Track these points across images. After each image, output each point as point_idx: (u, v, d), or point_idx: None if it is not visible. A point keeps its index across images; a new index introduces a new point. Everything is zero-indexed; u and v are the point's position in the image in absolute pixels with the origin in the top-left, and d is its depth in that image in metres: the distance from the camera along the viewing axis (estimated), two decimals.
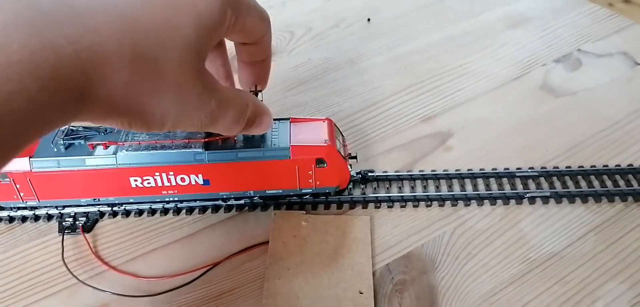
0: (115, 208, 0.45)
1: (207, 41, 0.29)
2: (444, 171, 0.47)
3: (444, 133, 0.52)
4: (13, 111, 0.21)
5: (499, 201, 0.45)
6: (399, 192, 0.46)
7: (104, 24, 0.24)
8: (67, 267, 0.41)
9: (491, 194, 0.45)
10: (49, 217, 0.45)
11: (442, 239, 0.43)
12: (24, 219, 0.45)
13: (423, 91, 0.57)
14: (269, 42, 0.38)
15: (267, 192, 0.44)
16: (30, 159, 0.40)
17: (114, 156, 0.41)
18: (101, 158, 0.41)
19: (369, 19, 0.68)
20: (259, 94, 0.40)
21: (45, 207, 0.44)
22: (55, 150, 0.41)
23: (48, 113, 0.23)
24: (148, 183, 0.42)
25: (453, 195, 0.45)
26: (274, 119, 0.43)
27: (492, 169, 0.47)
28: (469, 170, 0.47)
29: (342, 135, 0.44)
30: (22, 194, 0.43)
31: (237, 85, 0.40)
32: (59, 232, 0.44)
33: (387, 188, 0.46)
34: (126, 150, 0.41)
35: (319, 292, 0.39)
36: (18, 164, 0.41)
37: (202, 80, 0.29)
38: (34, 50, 0.22)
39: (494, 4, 0.70)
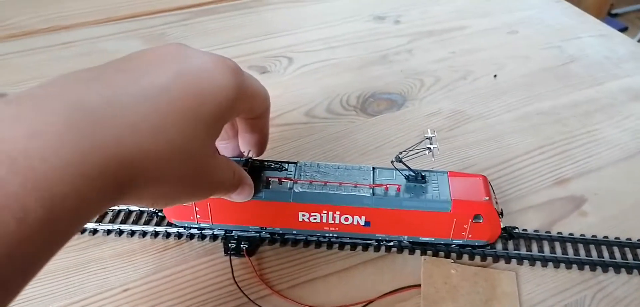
0: (275, 236, 0.49)
1: (221, 125, 0.34)
2: (580, 235, 0.50)
3: (578, 198, 0.54)
4: (66, 209, 0.23)
5: (635, 271, 0.47)
6: (539, 252, 0.48)
7: (143, 122, 0.27)
8: (238, 286, 0.45)
9: (627, 263, 0.47)
10: (214, 237, 0.49)
11: (583, 302, 0.45)
12: (191, 236, 0.50)
13: (554, 153, 0.59)
14: (268, 116, 0.42)
15: (419, 238, 0.47)
16: None
17: (290, 191, 0.45)
18: (278, 192, 0.45)
19: (495, 75, 0.72)
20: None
21: (213, 228, 0.49)
22: None
23: (94, 207, 0.26)
24: (314, 219, 0.46)
25: (592, 260, 0.47)
26: (432, 171, 0.47)
27: (627, 239, 0.49)
28: (604, 237, 0.50)
29: (494, 192, 0.47)
30: (198, 216, 0.47)
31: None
32: (225, 253, 0.48)
33: (528, 246, 0.49)
34: (301, 188, 0.45)
35: None
36: None
37: (212, 164, 0.35)
38: (85, 153, 0.24)
39: (616, 75, 0.72)
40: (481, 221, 0.45)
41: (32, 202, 0.22)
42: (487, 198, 0.45)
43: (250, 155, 0.46)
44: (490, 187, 0.47)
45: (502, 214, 0.47)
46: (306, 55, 0.77)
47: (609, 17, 2.38)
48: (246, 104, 0.37)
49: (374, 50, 0.78)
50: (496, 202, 0.47)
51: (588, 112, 0.66)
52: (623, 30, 2.17)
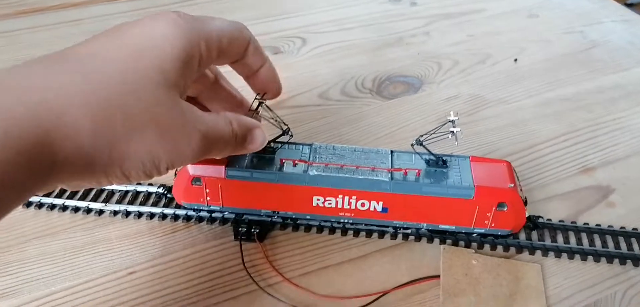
0: (287, 220, 0.47)
1: (179, 77, 0.32)
2: (608, 226, 0.47)
3: (604, 187, 0.52)
4: None
5: None
6: (565, 243, 0.46)
7: (55, 80, 0.27)
8: (248, 273, 0.43)
9: None
10: (224, 220, 0.48)
11: (614, 298, 0.43)
12: (200, 219, 0.48)
13: (579, 141, 0.57)
14: (256, 49, 0.39)
15: (438, 226, 0.45)
16: (226, 167, 0.43)
17: (305, 173, 0.43)
18: (292, 174, 0.43)
19: (515, 59, 0.69)
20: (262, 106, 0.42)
21: (223, 212, 0.47)
22: (247, 162, 0.44)
23: (12, 176, 0.24)
24: (329, 204, 0.44)
25: (621, 253, 0.45)
26: (453, 155, 0.44)
27: None
28: (633, 229, 0.47)
29: (518, 179, 0.45)
30: (208, 199, 0.45)
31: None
32: (235, 239, 0.46)
33: (553, 237, 0.46)
34: (316, 170, 0.43)
35: None
36: (214, 171, 0.43)
37: (179, 113, 0.32)
38: None
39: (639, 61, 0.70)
40: (505, 209, 0.42)
41: None
42: (512, 185, 0.42)
43: (263, 99, 0.43)
44: (514, 173, 0.44)
45: (526, 202, 0.45)
46: (320, 36, 0.74)
47: (625, 6, 2.33)
48: (213, 47, 0.35)
49: (390, 32, 0.76)
50: (521, 190, 0.45)
51: (613, 99, 0.63)
52: None
